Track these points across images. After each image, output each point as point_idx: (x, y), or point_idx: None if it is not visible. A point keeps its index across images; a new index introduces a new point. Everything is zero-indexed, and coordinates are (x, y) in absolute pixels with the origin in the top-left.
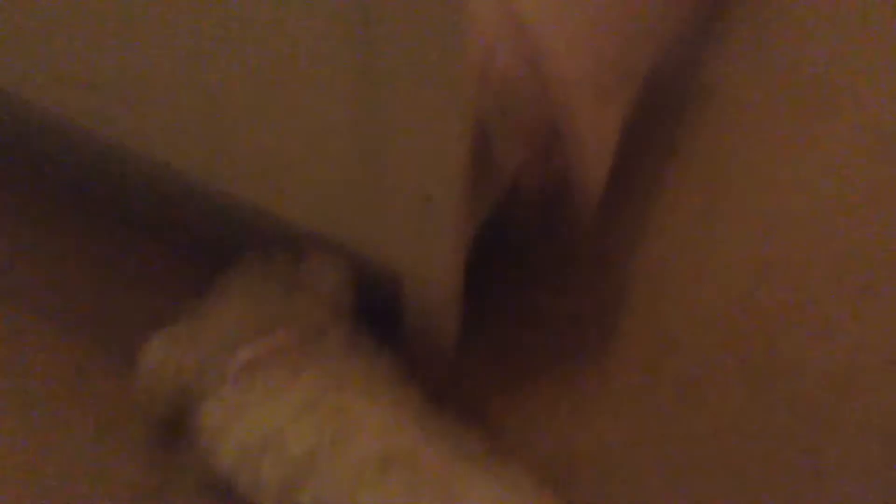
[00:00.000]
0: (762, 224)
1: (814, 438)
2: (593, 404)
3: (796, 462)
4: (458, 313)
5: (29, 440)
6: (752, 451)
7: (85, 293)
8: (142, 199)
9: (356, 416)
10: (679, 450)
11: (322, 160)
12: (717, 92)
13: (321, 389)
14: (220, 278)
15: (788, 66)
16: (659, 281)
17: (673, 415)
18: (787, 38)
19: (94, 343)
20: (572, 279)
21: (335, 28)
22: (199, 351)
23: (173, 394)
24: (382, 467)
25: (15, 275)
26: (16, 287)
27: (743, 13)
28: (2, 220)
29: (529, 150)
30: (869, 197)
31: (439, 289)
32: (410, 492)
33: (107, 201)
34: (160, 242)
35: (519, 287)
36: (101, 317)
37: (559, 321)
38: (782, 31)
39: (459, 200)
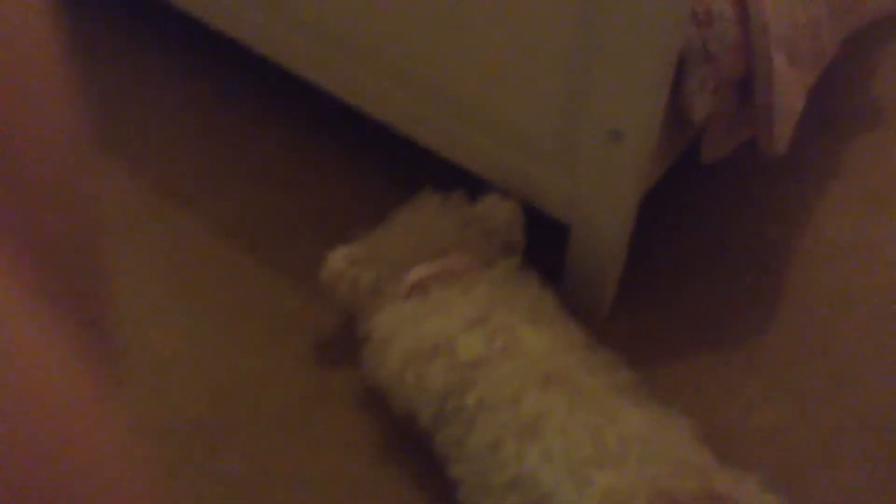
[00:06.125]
0: None
1: None
2: (743, 379)
3: None
4: (621, 263)
5: (201, 347)
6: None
7: (270, 209)
8: (340, 128)
9: (522, 335)
10: (822, 437)
11: (526, 98)
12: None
13: (491, 307)
14: (400, 207)
15: None
16: (820, 274)
17: (821, 405)
18: None
19: (273, 257)
20: (732, 265)
21: None
22: (376, 269)
23: (346, 306)
24: (545, 381)
25: (200, 190)
26: (199, 202)
27: None
28: (189, 131)
29: (721, 99)
30: None
31: (608, 234)
32: (569, 405)
33: (305, 122)
34: (351, 171)
35: (679, 259)
36: (282, 232)
37: (715, 296)
38: None
39: (649, 139)
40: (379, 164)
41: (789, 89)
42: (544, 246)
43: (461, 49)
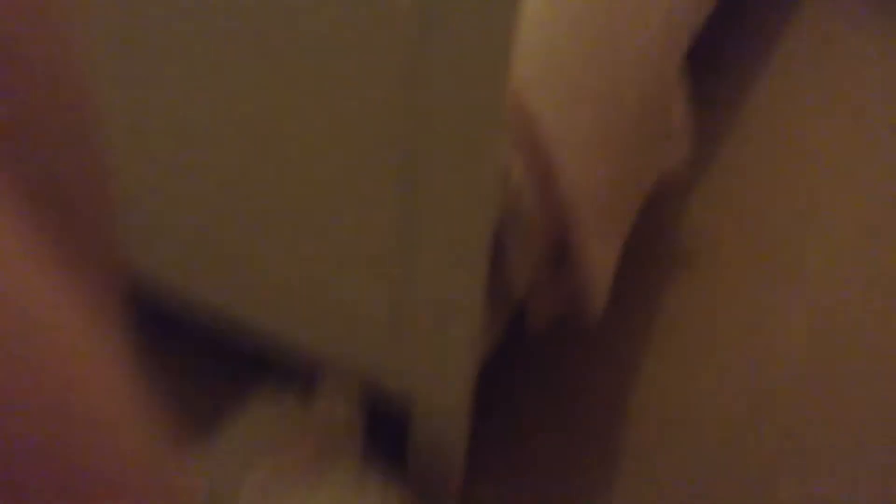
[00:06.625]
0: (757, 361)
1: None
2: None
3: None
4: (464, 447)
5: None
6: None
7: None
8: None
9: None
10: None
11: (353, 286)
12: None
13: None
14: (231, 413)
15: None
16: (655, 424)
17: None
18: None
19: None
20: (571, 420)
21: (377, 153)
22: (212, 474)
23: None
24: None
25: None
26: None
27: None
28: None
29: (537, 270)
30: (853, 348)
31: (448, 416)
32: None
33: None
34: (175, 369)
35: (521, 429)
36: None
37: (558, 462)
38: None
39: (475, 316)
40: (207, 362)
41: (600, 252)
42: (389, 429)
43: (286, 237)
